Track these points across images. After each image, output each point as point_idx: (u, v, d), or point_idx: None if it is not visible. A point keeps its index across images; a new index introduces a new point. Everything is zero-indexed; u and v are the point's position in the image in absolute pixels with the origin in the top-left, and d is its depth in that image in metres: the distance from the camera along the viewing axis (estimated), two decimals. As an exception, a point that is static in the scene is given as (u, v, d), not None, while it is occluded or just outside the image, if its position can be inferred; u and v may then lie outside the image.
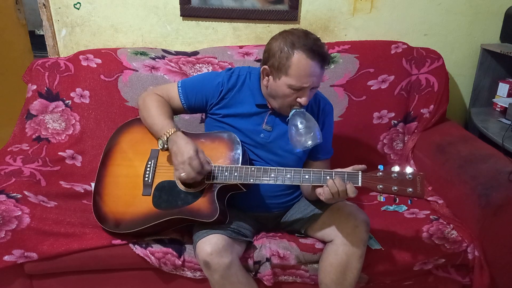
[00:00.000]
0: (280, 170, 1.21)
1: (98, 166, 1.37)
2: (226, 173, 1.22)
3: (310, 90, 1.23)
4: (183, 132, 1.28)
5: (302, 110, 1.24)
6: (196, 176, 1.18)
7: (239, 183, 1.23)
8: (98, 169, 1.37)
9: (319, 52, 1.19)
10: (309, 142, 1.19)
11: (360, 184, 1.14)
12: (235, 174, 1.22)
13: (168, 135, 1.24)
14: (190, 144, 1.20)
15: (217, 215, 1.18)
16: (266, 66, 1.25)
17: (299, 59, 1.18)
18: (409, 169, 1.12)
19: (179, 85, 1.37)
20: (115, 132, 1.42)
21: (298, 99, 1.23)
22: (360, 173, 1.14)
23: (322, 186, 1.17)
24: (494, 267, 1.39)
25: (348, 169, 1.16)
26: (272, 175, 1.20)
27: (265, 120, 1.33)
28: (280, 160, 1.34)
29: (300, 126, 1.20)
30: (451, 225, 1.41)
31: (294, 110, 1.24)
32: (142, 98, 1.37)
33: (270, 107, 1.32)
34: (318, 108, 1.38)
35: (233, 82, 1.35)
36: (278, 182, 1.20)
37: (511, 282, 1.43)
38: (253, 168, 1.22)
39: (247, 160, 1.30)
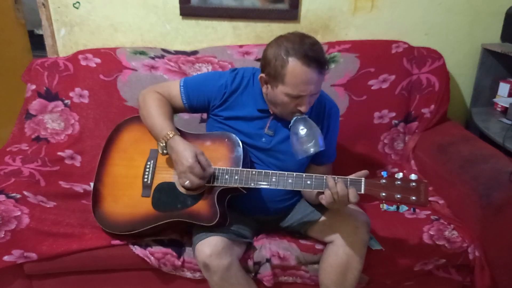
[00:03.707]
0: (281, 175, 1.19)
1: (97, 165, 1.37)
2: (226, 176, 1.21)
3: (310, 97, 1.19)
4: (182, 133, 1.27)
5: (304, 116, 1.20)
6: (200, 182, 1.17)
7: (240, 187, 1.21)
8: (97, 168, 1.36)
9: (315, 58, 1.13)
10: (311, 150, 1.16)
11: (363, 192, 1.12)
12: (236, 177, 1.20)
13: (166, 140, 1.21)
14: (188, 151, 1.17)
15: (217, 219, 1.18)
16: (263, 75, 1.22)
17: (294, 67, 1.13)
18: (413, 176, 1.10)
19: (181, 84, 1.34)
20: (114, 130, 1.40)
21: (298, 107, 1.19)
22: (363, 180, 1.12)
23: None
24: (494, 267, 1.39)
25: (351, 176, 1.14)
26: (273, 179, 1.19)
27: (268, 125, 1.30)
28: (281, 165, 1.32)
29: (301, 133, 1.17)
30: (452, 225, 1.41)
31: (295, 117, 1.21)
32: (142, 96, 1.34)
33: (272, 112, 1.30)
34: (323, 111, 1.35)
35: (236, 84, 1.32)
36: (279, 187, 1.18)
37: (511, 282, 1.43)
38: (254, 172, 1.20)
39: (248, 163, 1.29)
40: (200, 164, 1.16)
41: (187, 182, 1.17)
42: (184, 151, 1.17)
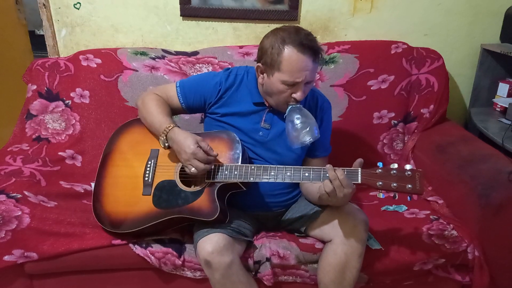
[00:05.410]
0: (280, 168, 1.21)
1: (98, 167, 1.38)
2: (226, 172, 1.22)
3: (304, 85, 1.22)
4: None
5: (298, 105, 1.23)
6: (205, 167, 1.19)
7: (239, 182, 1.23)
8: (98, 170, 1.37)
9: (309, 46, 1.18)
10: (307, 138, 1.18)
11: (359, 181, 1.13)
12: (235, 172, 1.22)
13: (166, 133, 1.25)
14: (188, 138, 1.20)
15: (217, 214, 1.19)
16: (259, 64, 1.26)
17: (290, 54, 1.18)
18: (408, 166, 1.12)
19: (177, 85, 1.38)
20: (114, 133, 1.43)
21: (293, 95, 1.22)
22: (359, 170, 1.14)
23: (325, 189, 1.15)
24: (494, 267, 1.39)
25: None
26: (272, 173, 1.21)
27: (264, 118, 1.33)
28: (279, 158, 1.34)
29: (296, 122, 1.20)
30: (451, 225, 1.41)
31: (290, 106, 1.23)
32: (141, 98, 1.39)
33: (267, 105, 1.33)
34: (316, 105, 1.38)
35: (231, 81, 1.36)
36: (278, 180, 1.20)
37: (511, 282, 1.43)
38: (253, 167, 1.22)
39: (247, 159, 1.31)
40: (202, 149, 1.19)
41: (193, 169, 1.19)
42: (185, 139, 1.20)
